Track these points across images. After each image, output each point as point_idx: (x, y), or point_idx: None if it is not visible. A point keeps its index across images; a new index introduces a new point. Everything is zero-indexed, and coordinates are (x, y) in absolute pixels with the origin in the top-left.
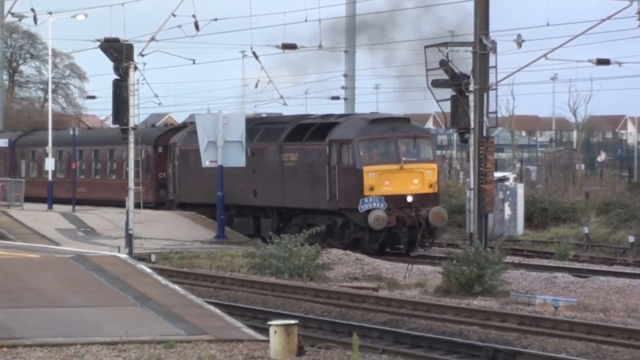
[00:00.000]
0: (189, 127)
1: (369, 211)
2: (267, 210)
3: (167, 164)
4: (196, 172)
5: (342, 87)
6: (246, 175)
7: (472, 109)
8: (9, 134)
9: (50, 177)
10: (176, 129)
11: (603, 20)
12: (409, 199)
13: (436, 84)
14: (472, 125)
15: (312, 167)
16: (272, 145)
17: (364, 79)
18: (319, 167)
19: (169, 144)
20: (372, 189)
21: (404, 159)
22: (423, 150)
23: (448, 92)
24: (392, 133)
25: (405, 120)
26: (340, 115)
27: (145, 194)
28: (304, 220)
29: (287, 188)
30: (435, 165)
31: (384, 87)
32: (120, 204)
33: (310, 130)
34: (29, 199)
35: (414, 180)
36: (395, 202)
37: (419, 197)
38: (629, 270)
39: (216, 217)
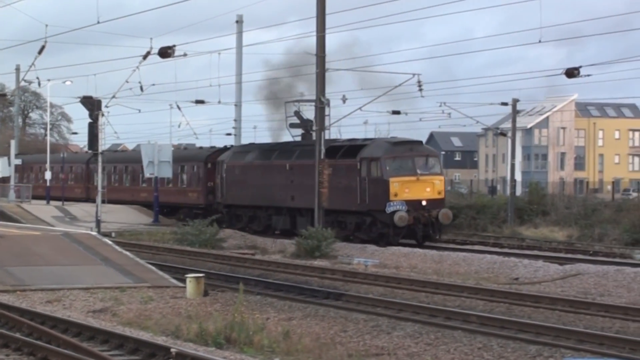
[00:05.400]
0: (233, 148)
1: (394, 212)
2: (302, 210)
3: (215, 175)
4: (240, 182)
5: (233, 127)
6: (285, 184)
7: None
8: (85, 155)
9: (48, 184)
10: (221, 150)
11: (396, 86)
12: (423, 202)
13: (292, 125)
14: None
15: (344, 178)
16: (308, 161)
17: (247, 122)
18: (350, 178)
19: (217, 161)
20: (396, 195)
21: (419, 172)
22: (433, 166)
23: (299, 131)
24: (410, 152)
25: (419, 142)
26: (365, 140)
27: (197, 198)
28: (335, 218)
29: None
30: (442, 177)
31: (260, 126)
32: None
33: (342, 150)
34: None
35: (427, 188)
36: (413, 205)
37: (431, 202)
38: (412, 242)
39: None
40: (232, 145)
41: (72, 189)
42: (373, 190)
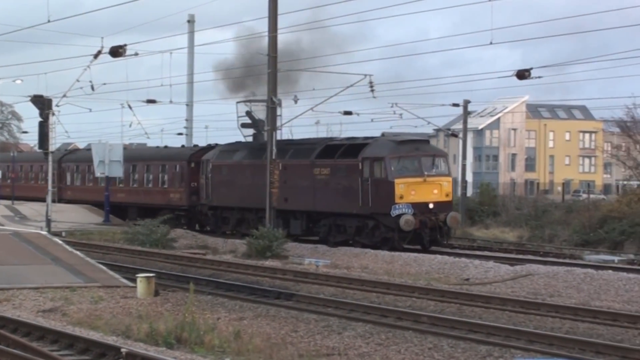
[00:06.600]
0: (219, 147)
1: (399, 215)
2: (296, 213)
3: (200, 175)
4: (227, 182)
5: (185, 127)
6: (278, 185)
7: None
8: (57, 153)
9: None
10: (206, 149)
11: (348, 87)
12: (430, 205)
13: (244, 125)
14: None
15: (344, 179)
16: (303, 161)
17: (198, 121)
18: (351, 179)
19: (202, 160)
20: (401, 197)
21: (426, 173)
22: (440, 166)
23: (251, 131)
24: (416, 152)
25: (425, 141)
26: (366, 138)
27: (180, 199)
28: (333, 222)
29: (318, 195)
30: (450, 179)
31: (211, 126)
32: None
33: (341, 149)
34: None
35: (434, 190)
36: (419, 208)
37: (438, 204)
38: (364, 243)
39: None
40: (217, 144)
41: (43, 189)
42: (376, 192)
